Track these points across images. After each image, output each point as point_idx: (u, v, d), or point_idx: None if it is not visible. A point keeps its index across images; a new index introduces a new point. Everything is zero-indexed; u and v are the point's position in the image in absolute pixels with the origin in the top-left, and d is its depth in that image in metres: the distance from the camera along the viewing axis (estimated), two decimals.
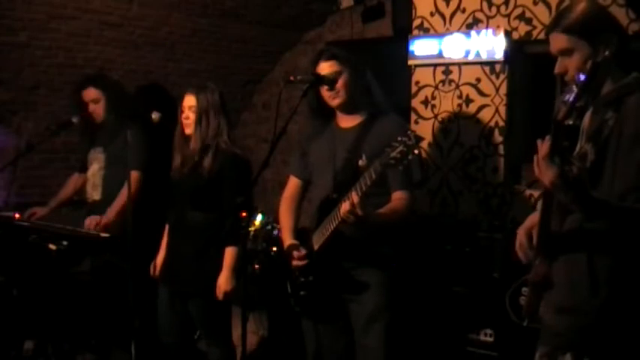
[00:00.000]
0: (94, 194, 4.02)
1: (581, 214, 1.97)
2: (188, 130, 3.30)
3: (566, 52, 2.05)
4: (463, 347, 3.65)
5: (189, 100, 3.29)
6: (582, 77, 1.86)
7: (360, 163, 2.71)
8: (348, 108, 3.02)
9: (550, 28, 2.10)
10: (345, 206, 2.68)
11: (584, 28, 2.02)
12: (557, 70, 2.10)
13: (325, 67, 2.96)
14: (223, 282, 3.19)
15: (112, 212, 3.78)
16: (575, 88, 1.85)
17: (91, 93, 3.96)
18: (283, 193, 3.29)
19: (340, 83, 2.95)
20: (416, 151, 2.49)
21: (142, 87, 5.06)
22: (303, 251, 3.00)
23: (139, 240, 3.50)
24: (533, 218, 2.22)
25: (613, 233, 1.97)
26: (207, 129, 3.26)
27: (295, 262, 3.01)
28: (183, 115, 3.31)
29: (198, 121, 3.26)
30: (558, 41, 2.06)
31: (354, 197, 2.64)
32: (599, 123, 1.98)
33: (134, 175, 3.75)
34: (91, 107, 3.97)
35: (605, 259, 1.98)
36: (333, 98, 2.98)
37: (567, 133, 1.88)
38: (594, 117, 2.02)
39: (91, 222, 3.74)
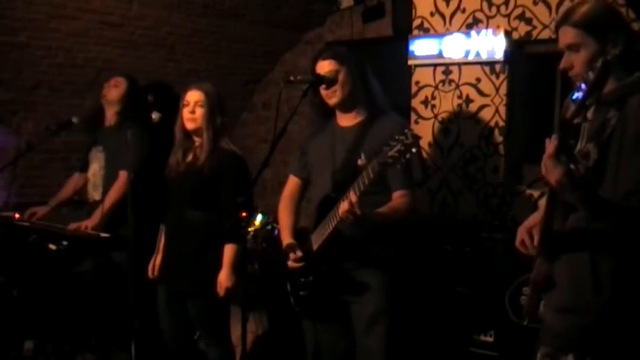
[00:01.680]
0: (95, 194, 4.02)
1: (584, 214, 1.97)
2: (191, 125, 3.26)
3: (573, 47, 2.04)
4: (464, 347, 3.65)
5: (196, 95, 3.25)
6: (592, 76, 1.85)
7: (360, 162, 2.70)
8: (346, 106, 3.01)
9: (559, 22, 2.09)
10: (343, 206, 2.67)
11: (592, 24, 2.01)
12: (562, 65, 2.09)
13: (324, 66, 2.95)
14: (224, 278, 3.18)
15: (97, 215, 3.79)
16: (584, 87, 1.84)
17: (119, 80, 4.05)
18: (283, 192, 3.29)
19: (337, 82, 2.95)
20: (414, 150, 2.47)
21: (143, 87, 5.05)
22: (299, 253, 2.99)
23: (140, 240, 3.51)
24: (535, 217, 2.22)
25: (616, 233, 1.96)
26: (217, 125, 3.25)
27: (291, 264, 3.01)
28: (188, 109, 3.25)
29: (210, 117, 3.24)
30: (566, 35, 2.06)
31: (352, 197, 2.64)
32: (601, 122, 1.98)
33: (122, 175, 3.76)
34: (108, 88, 4.02)
35: (607, 258, 1.97)
36: (329, 97, 2.97)
37: (574, 132, 1.87)
38: (596, 116, 2.02)
39: (77, 227, 3.75)
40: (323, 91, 2.97)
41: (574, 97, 1.85)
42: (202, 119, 3.24)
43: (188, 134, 3.31)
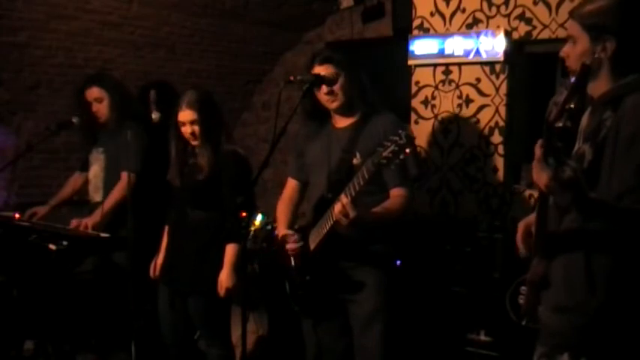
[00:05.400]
0: (96, 196, 4.01)
1: (578, 215, 1.98)
2: (195, 143, 3.28)
3: (572, 39, 2.07)
4: (462, 347, 3.65)
5: (188, 115, 3.24)
6: (572, 79, 1.87)
7: (355, 161, 2.71)
8: (345, 110, 3.01)
9: (570, 12, 2.14)
10: (337, 207, 2.68)
11: (591, 22, 2.02)
12: (561, 52, 2.12)
13: (321, 71, 2.94)
14: (225, 278, 3.19)
15: (98, 213, 3.78)
16: (565, 90, 1.87)
17: (94, 92, 3.93)
18: (282, 195, 3.28)
19: (338, 86, 2.94)
20: (408, 150, 2.47)
21: (144, 86, 5.05)
22: (297, 237, 2.98)
23: (140, 240, 3.50)
24: (535, 216, 2.23)
25: (611, 233, 1.96)
26: (211, 137, 3.25)
27: (290, 246, 3.00)
28: (187, 130, 3.25)
29: (207, 132, 3.24)
30: (569, 27, 2.10)
31: (344, 199, 2.65)
32: (597, 123, 1.98)
33: (124, 176, 3.75)
34: (95, 107, 3.94)
35: (602, 258, 1.98)
36: (332, 101, 2.97)
37: (560, 134, 1.88)
38: (592, 117, 2.02)
39: (77, 224, 3.75)
40: (324, 96, 2.96)
41: (556, 100, 1.87)
42: (199, 137, 3.26)
43: (186, 147, 3.32)
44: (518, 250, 2.25)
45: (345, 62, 2.98)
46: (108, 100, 3.93)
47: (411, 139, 2.49)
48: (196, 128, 3.25)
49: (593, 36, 2.01)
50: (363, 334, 2.96)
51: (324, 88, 2.93)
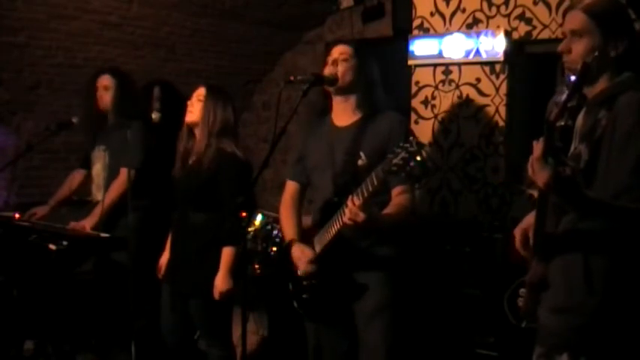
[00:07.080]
0: (98, 195, 4.00)
1: (576, 215, 1.97)
2: (188, 118, 3.29)
3: (577, 34, 2.00)
4: (462, 347, 3.65)
5: (200, 90, 3.31)
6: (573, 78, 1.86)
7: (360, 162, 2.70)
8: (342, 90, 2.98)
9: (570, 7, 2.05)
10: (347, 211, 2.66)
11: (604, 16, 1.97)
12: (560, 47, 2.04)
13: (338, 49, 2.98)
14: (220, 282, 3.18)
15: (96, 213, 3.79)
16: (566, 89, 1.86)
17: (104, 79, 3.98)
18: (282, 197, 3.25)
19: (349, 64, 2.95)
20: (418, 158, 2.42)
21: (148, 83, 5.04)
22: (310, 254, 2.96)
23: (142, 240, 3.50)
24: (530, 219, 2.22)
25: (608, 233, 1.96)
26: (214, 121, 3.25)
27: (302, 269, 2.97)
28: (190, 103, 3.31)
29: (207, 113, 3.25)
30: (574, 20, 2.01)
31: (353, 202, 2.63)
32: (593, 122, 1.97)
33: (123, 172, 3.75)
34: (100, 93, 3.97)
35: (600, 259, 1.97)
36: (341, 67, 2.95)
37: (560, 133, 1.88)
38: (587, 117, 2.01)
39: (75, 227, 3.76)
40: (338, 55, 2.96)
41: (557, 99, 1.86)
42: (199, 114, 3.26)
43: (191, 130, 3.32)
44: (519, 255, 2.22)
45: (362, 51, 3.01)
46: (114, 90, 3.97)
47: (421, 147, 2.45)
48: (197, 105, 3.27)
49: (607, 31, 1.96)
50: (365, 331, 2.95)
51: (341, 48, 2.96)
